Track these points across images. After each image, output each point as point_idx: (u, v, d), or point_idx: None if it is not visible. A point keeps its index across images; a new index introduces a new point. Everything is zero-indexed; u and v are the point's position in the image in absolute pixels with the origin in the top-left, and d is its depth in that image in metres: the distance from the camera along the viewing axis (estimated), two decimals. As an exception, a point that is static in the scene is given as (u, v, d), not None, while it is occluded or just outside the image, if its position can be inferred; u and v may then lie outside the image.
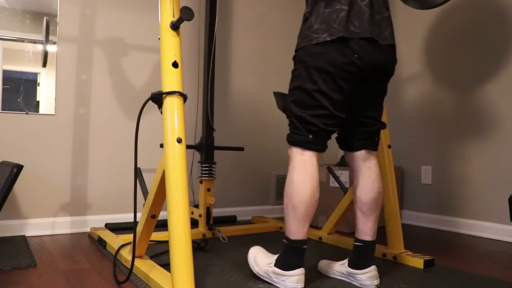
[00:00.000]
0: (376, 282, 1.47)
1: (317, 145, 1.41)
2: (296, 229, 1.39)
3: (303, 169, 1.39)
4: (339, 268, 1.55)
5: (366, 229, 1.51)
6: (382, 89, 1.51)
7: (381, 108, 1.54)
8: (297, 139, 1.42)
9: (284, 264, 1.41)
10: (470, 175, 2.57)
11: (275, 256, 1.47)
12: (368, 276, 1.46)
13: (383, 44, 1.41)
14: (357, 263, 1.49)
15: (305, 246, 1.40)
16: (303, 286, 1.38)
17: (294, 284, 1.37)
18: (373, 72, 1.42)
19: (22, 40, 2.20)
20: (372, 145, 1.53)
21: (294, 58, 1.47)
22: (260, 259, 1.52)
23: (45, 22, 2.01)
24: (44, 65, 2.06)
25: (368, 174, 1.52)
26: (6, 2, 2.19)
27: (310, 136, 1.40)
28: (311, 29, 1.39)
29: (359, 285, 1.48)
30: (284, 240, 1.42)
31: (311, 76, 1.38)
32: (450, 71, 2.71)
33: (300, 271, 1.39)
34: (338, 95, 1.38)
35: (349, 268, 1.51)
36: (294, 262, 1.39)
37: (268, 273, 1.45)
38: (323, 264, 1.64)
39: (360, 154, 1.53)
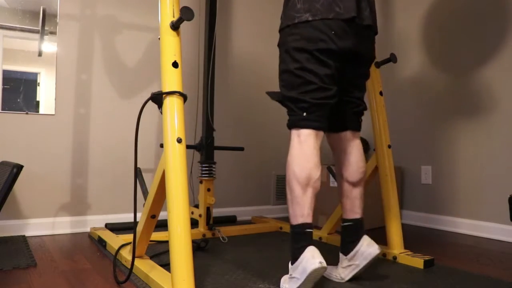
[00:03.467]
0: (377, 246, 1.46)
1: (312, 122, 1.40)
2: (295, 213, 1.36)
3: (298, 150, 1.39)
4: (339, 267, 1.53)
5: (354, 208, 1.55)
6: (365, 72, 1.55)
7: (365, 90, 1.60)
8: (292, 120, 1.43)
9: (294, 255, 1.33)
10: (470, 175, 2.57)
11: None
12: (366, 244, 1.46)
13: (363, 24, 1.43)
14: (351, 242, 1.50)
15: (309, 230, 1.34)
16: (322, 259, 1.26)
17: (311, 261, 1.26)
18: (352, 54, 1.44)
19: (16, 29, 2.20)
20: (357, 125, 1.58)
21: (278, 43, 1.51)
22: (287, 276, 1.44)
23: (41, 11, 2.00)
24: (40, 54, 2.05)
25: (353, 154, 1.55)
26: (6, 2, 2.19)
27: (304, 114, 1.40)
28: (294, 8, 1.42)
29: (363, 260, 1.46)
30: (290, 229, 1.39)
31: (293, 56, 1.41)
32: (449, 72, 2.71)
33: (309, 248, 1.30)
34: (324, 69, 1.39)
35: (346, 256, 1.49)
36: (300, 245, 1.32)
37: (290, 275, 1.35)
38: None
39: (345, 135, 1.56)
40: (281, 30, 1.49)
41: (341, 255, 1.54)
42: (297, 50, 1.40)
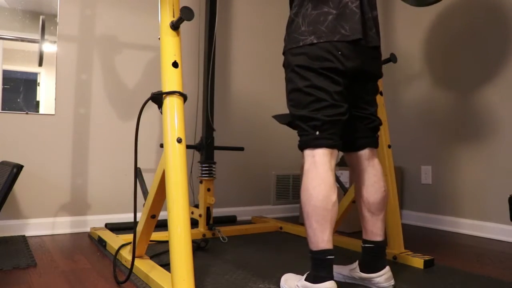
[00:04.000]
0: (393, 282, 1.45)
1: (326, 140, 1.34)
2: (315, 239, 1.30)
3: (314, 172, 1.32)
4: (350, 273, 1.52)
5: (376, 230, 1.49)
6: (374, 88, 1.51)
7: (377, 105, 1.54)
8: (305, 140, 1.37)
9: (312, 277, 1.30)
10: (470, 175, 2.57)
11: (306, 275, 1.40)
12: (385, 278, 1.44)
13: (369, 46, 1.41)
14: (370, 266, 1.46)
15: (330, 257, 1.29)
16: None
17: None
18: (359, 74, 1.41)
19: (17, 39, 2.20)
20: (374, 142, 1.52)
21: (284, 64, 1.46)
22: (291, 281, 1.43)
23: (41, 21, 2.00)
24: (40, 64, 2.06)
25: (373, 174, 1.49)
26: (6, 2, 2.19)
27: (317, 133, 1.35)
28: (298, 30, 1.38)
29: None
30: (309, 254, 1.34)
31: (301, 75, 1.37)
32: (449, 72, 2.71)
33: (329, 284, 1.27)
34: (334, 86, 1.35)
35: (362, 273, 1.48)
36: (321, 275, 1.28)
37: (297, 286, 1.35)
38: None
39: (364, 153, 1.50)
40: (285, 52, 1.44)
41: (358, 265, 1.51)
42: (304, 68, 1.36)
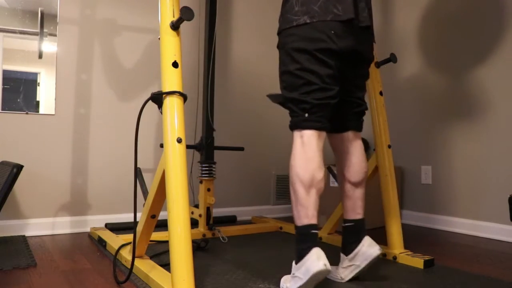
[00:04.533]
0: (378, 247, 1.46)
1: (314, 122, 1.39)
2: (300, 214, 1.35)
3: (301, 152, 1.38)
4: (340, 267, 1.53)
5: (356, 208, 1.55)
6: (365, 72, 1.55)
7: (365, 90, 1.60)
8: (294, 121, 1.43)
9: (299, 255, 1.32)
10: (470, 175, 2.57)
11: None
12: (367, 244, 1.47)
13: (361, 25, 1.43)
14: (352, 242, 1.50)
15: (314, 231, 1.33)
16: (326, 262, 1.26)
17: (316, 263, 1.25)
18: (351, 55, 1.44)
19: (16, 32, 2.19)
20: (358, 126, 1.58)
21: (278, 45, 1.50)
22: (288, 276, 1.44)
23: (39, 13, 1.99)
24: (40, 56, 2.05)
25: (355, 155, 1.56)
26: (6, 2, 2.19)
27: (306, 115, 1.40)
28: (292, 11, 1.42)
29: (364, 260, 1.46)
30: (295, 230, 1.38)
31: (293, 57, 1.41)
32: (449, 72, 2.71)
33: (315, 250, 1.29)
34: (325, 69, 1.38)
35: (347, 256, 1.50)
36: (305, 246, 1.31)
37: (293, 274, 1.35)
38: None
39: (347, 135, 1.56)
40: (279, 33, 1.48)
41: (342, 255, 1.54)
42: (297, 50, 1.40)
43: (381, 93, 1.96)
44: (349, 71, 1.50)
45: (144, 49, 2.58)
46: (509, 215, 2.23)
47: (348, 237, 1.53)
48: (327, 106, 1.42)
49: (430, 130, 2.82)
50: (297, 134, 1.42)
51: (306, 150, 1.38)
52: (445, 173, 2.71)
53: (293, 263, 1.36)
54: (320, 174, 1.37)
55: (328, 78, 1.39)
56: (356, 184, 1.56)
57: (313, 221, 1.35)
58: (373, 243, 1.48)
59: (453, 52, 2.70)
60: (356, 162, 1.55)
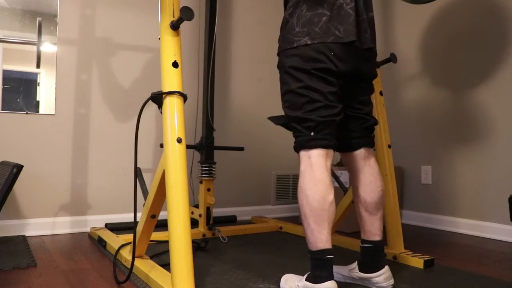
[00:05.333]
0: (392, 281, 1.45)
1: (321, 140, 1.35)
2: (314, 239, 1.30)
3: (309, 173, 1.32)
4: (349, 273, 1.52)
5: (373, 229, 1.49)
6: (368, 88, 1.51)
7: (372, 104, 1.55)
8: (300, 142, 1.37)
9: (313, 277, 1.30)
10: (470, 175, 2.57)
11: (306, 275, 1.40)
12: (384, 277, 1.44)
13: (363, 48, 1.40)
14: (369, 266, 1.46)
15: (329, 256, 1.29)
16: None
17: None
18: (352, 74, 1.41)
19: (14, 42, 2.19)
20: (370, 142, 1.53)
21: (278, 65, 1.46)
22: (291, 281, 1.43)
23: (37, 23, 2.00)
24: (38, 66, 2.05)
25: (369, 173, 1.49)
26: (6, 2, 2.19)
27: (312, 134, 1.35)
28: (292, 31, 1.39)
29: None
30: (308, 254, 1.34)
31: (294, 76, 1.37)
32: (448, 72, 2.71)
33: (330, 284, 1.27)
34: (327, 86, 1.35)
35: (361, 273, 1.48)
36: (321, 275, 1.28)
37: (298, 287, 1.35)
38: None
39: (360, 153, 1.51)
40: (279, 53, 1.45)
41: (357, 265, 1.51)
42: (297, 69, 1.36)
43: (381, 93, 1.96)
44: (352, 88, 1.46)
45: (144, 50, 2.58)
46: (509, 215, 2.23)
47: (366, 258, 1.49)
48: (333, 124, 1.37)
49: (430, 130, 2.82)
50: (304, 154, 1.36)
51: (315, 171, 1.32)
52: (445, 173, 2.71)
53: (305, 276, 1.34)
54: (331, 196, 1.31)
55: (331, 96, 1.36)
56: (372, 204, 1.49)
57: (328, 245, 1.29)
58: (390, 276, 1.46)
59: (452, 56, 2.70)
60: (371, 181, 1.49)
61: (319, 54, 1.33)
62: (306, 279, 1.32)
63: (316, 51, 1.34)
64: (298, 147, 1.38)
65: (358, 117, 1.50)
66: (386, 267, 1.46)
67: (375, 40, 1.48)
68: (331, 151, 1.37)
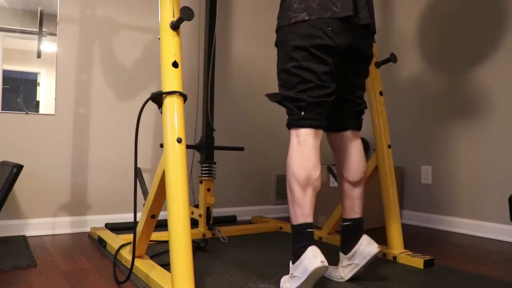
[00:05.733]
0: (376, 244, 1.47)
1: (311, 120, 1.39)
2: (296, 213, 1.36)
3: (297, 150, 1.38)
4: (339, 267, 1.53)
5: (354, 207, 1.55)
6: (364, 71, 1.55)
7: (365, 89, 1.60)
8: (290, 120, 1.43)
9: (295, 254, 1.33)
10: (470, 175, 2.57)
11: None
12: (366, 243, 1.47)
13: (360, 23, 1.43)
14: (350, 241, 1.50)
15: (309, 230, 1.34)
16: (323, 258, 1.26)
17: (313, 260, 1.25)
18: (349, 52, 1.44)
19: (15, 31, 2.19)
20: (357, 125, 1.58)
21: (276, 43, 1.50)
22: (287, 276, 1.43)
23: (39, 12, 1.99)
24: (39, 56, 2.05)
25: (354, 154, 1.55)
26: (6, 2, 2.19)
27: (302, 113, 1.39)
28: (290, 8, 1.42)
29: (363, 259, 1.46)
30: (291, 229, 1.39)
31: (290, 55, 1.41)
32: (449, 71, 2.71)
33: (311, 248, 1.29)
34: (322, 66, 1.38)
35: (346, 255, 1.50)
36: (301, 245, 1.31)
37: (291, 274, 1.35)
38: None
39: (346, 134, 1.56)
40: (277, 30, 1.48)
41: (341, 254, 1.54)
42: (293, 48, 1.40)
43: (381, 93, 1.96)
44: (348, 69, 1.50)
45: (144, 48, 2.58)
46: (509, 215, 2.23)
47: (347, 236, 1.53)
48: (324, 104, 1.41)
49: (430, 130, 2.82)
50: (293, 132, 1.42)
51: (302, 148, 1.38)
52: (445, 173, 2.71)
53: (290, 263, 1.37)
54: (316, 172, 1.37)
55: (324, 76, 1.39)
56: (354, 184, 1.56)
57: (309, 220, 1.35)
58: (372, 241, 1.48)
59: (453, 52, 2.70)
60: (355, 161, 1.55)
61: (316, 30, 1.37)
62: (292, 262, 1.35)
63: (313, 27, 1.37)
64: (289, 125, 1.44)
65: (350, 100, 1.54)
66: (365, 235, 1.50)
67: (373, 18, 1.52)
68: (320, 131, 1.42)
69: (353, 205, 1.56)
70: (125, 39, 2.52)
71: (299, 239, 1.34)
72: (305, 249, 1.30)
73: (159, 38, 1.41)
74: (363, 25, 1.45)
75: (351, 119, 1.56)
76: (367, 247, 1.47)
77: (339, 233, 2.37)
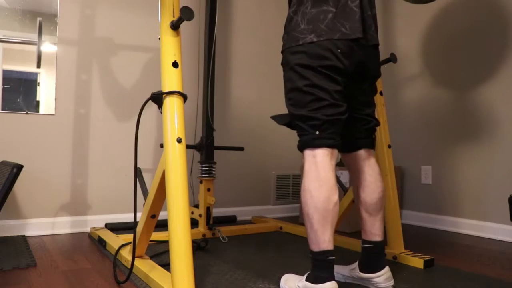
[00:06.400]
0: (392, 282, 1.45)
1: (326, 140, 1.33)
2: (316, 239, 1.29)
3: (315, 173, 1.31)
4: (350, 273, 1.53)
5: (374, 230, 1.49)
6: (371, 89, 1.51)
7: (374, 105, 1.54)
8: (305, 140, 1.36)
9: (313, 278, 1.30)
10: (470, 175, 2.57)
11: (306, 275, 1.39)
12: (384, 278, 1.44)
13: (369, 44, 1.41)
14: (370, 266, 1.46)
15: (331, 257, 1.29)
16: None
17: None
18: (358, 71, 1.41)
19: (15, 42, 2.19)
20: (370, 143, 1.52)
21: (282, 63, 1.45)
22: (291, 281, 1.42)
23: (38, 23, 2.00)
24: (38, 66, 2.05)
25: (369, 174, 1.49)
26: (6, 2, 2.19)
27: (317, 132, 1.33)
28: (297, 29, 1.37)
29: None
30: (309, 254, 1.34)
31: (300, 74, 1.36)
32: (448, 72, 2.71)
33: (330, 285, 1.27)
34: (334, 85, 1.34)
35: (362, 273, 1.48)
36: (322, 275, 1.28)
37: (298, 287, 1.34)
38: None
39: (360, 154, 1.50)
40: (284, 51, 1.43)
41: (358, 265, 1.51)
42: (303, 67, 1.35)
43: (381, 93, 1.96)
44: (355, 88, 1.46)
45: (144, 48, 2.58)
46: (509, 215, 2.23)
47: (367, 259, 1.49)
48: (338, 123, 1.36)
49: (430, 130, 2.82)
50: (308, 153, 1.34)
51: (320, 170, 1.31)
52: (445, 173, 2.71)
53: (305, 276, 1.33)
54: (335, 196, 1.31)
55: (336, 94, 1.34)
56: (372, 205, 1.49)
57: (330, 246, 1.29)
58: (390, 277, 1.45)
59: (453, 53, 2.70)
60: (371, 181, 1.48)
61: (325, 51, 1.32)
62: (307, 279, 1.32)
63: (323, 48, 1.33)
64: (303, 146, 1.36)
65: (360, 118, 1.49)
66: (387, 267, 1.46)
67: (377, 37, 1.49)
68: (335, 151, 1.36)
69: (373, 227, 1.49)
70: (126, 40, 2.51)
71: (320, 267, 1.29)
72: (325, 283, 1.27)
73: (159, 38, 1.41)
74: (371, 46, 1.42)
75: (363, 138, 1.50)
76: (384, 282, 1.44)
77: (339, 233, 2.37)
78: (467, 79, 2.61)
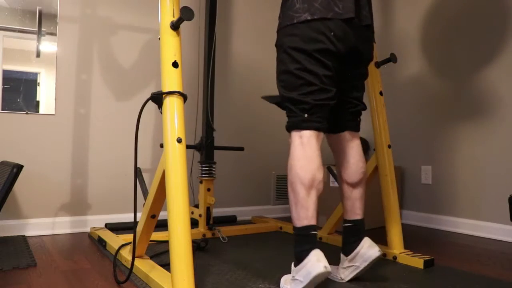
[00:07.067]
0: (377, 248, 1.46)
1: (314, 123, 1.39)
2: (299, 215, 1.34)
3: (300, 152, 1.37)
4: (340, 270, 1.53)
5: (355, 209, 1.55)
6: (363, 72, 1.55)
7: (363, 90, 1.59)
8: (293, 122, 1.42)
9: (298, 257, 1.32)
10: (470, 175, 2.57)
11: None
12: (367, 246, 1.46)
13: (362, 24, 1.44)
14: (352, 243, 1.50)
15: (313, 232, 1.33)
16: (326, 264, 1.25)
17: (316, 265, 1.25)
18: (350, 54, 1.44)
19: (15, 30, 2.19)
20: (355, 126, 1.58)
21: (276, 44, 1.49)
22: (288, 277, 1.43)
23: (38, 12, 1.99)
24: (38, 55, 2.05)
25: (352, 155, 1.55)
26: (6, 2, 2.19)
27: (306, 115, 1.39)
28: (292, 8, 1.41)
29: (363, 262, 1.46)
30: (293, 231, 1.37)
31: (292, 57, 1.40)
32: (449, 70, 2.71)
33: (315, 252, 1.28)
34: (324, 70, 1.39)
35: (347, 256, 1.50)
36: (305, 248, 1.30)
37: (293, 277, 1.34)
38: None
39: (344, 135, 1.56)
40: (279, 31, 1.48)
41: (342, 255, 1.54)
42: (295, 50, 1.39)
43: (381, 93, 1.96)
44: (348, 71, 1.50)
45: (144, 48, 2.58)
46: (509, 215, 2.23)
47: (348, 237, 1.53)
48: (326, 107, 1.42)
49: (430, 130, 2.82)
50: (295, 134, 1.41)
51: (306, 150, 1.37)
52: (445, 173, 2.71)
53: (292, 265, 1.36)
54: (320, 174, 1.37)
55: (326, 79, 1.40)
56: (354, 185, 1.56)
57: (313, 222, 1.34)
58: (373, 244, 1.48)
59: (453, 52, 2.70)
60: (353, 163, 1.55)
61: (318, 34, 1.37)
62: (295, 265, 1.34)
63: (316, 31, 1.37)
64: (291, 127, 1.43)
65: (347, 101, 1.54)
66: (366, 237, 1.50)
67: (372, 18, 1.52)
68: (321, 134, 1.43)
69: (354, 206, 1.56)
70: (126, 39, 2.51)
71: (302, 241, 1.33)
72: (309, 253, 1.29)
73: (159, 38, 1.41)
74: (364, 26, 1.46)
75: (348, 120, 1.56)
76: (368, 250, 1.46)
77: (339, 233, 2.37)
78: (468, 79, 2.61)
